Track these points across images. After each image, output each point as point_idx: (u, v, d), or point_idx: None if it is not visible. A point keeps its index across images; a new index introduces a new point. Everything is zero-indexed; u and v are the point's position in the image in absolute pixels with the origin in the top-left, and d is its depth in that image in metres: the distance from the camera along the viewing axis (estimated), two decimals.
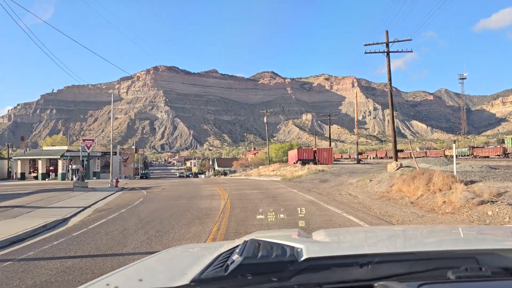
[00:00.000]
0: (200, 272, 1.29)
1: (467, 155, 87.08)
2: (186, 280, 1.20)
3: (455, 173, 18.38)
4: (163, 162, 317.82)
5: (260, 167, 78.64)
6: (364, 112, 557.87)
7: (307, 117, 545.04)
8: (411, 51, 25.73)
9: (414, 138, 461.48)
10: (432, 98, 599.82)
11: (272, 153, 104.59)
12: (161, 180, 53.55)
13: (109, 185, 34.01)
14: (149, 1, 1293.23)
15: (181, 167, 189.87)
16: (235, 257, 1.36)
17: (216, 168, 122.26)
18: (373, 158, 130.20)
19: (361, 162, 68.21)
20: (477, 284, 1.10)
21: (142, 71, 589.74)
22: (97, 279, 1.48)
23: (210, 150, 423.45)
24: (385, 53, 25.82)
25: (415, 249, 1.52)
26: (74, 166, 32.84)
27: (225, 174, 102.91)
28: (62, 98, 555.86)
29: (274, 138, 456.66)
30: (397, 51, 25.80)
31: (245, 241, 1.58)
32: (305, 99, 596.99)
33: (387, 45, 25.73)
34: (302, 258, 1.29)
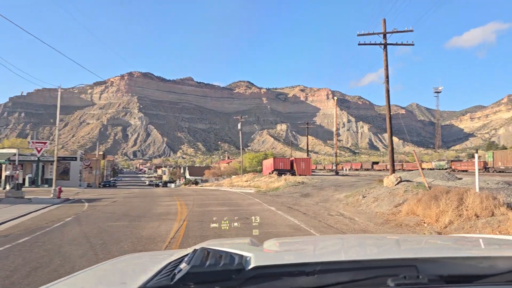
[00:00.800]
0: (146, 281, 1.25)
1: (445, 169, 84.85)
2: None
3: (477, 189, 14.22)
4: (134, 170, 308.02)
5: (233, 176, 73.82)
6: (338, 124, 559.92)
7: (281, 128, 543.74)
8: (412, 44, 21.69)
9: (387, 151, 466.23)
10: (404, 112, 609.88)
11: (246, 163, 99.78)
12: (123, 190, 47.87)
13: (52, 195, 28.49)
14: (125, 6, 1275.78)
15: (152, 175, 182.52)
16: (183, 265, 1.34)
17: (187, 176, 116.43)
18: (349, 169, 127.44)
19: (339, 173, 64.43)
20: None
21: (116, 77, 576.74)
22: None
23: (183, 158, 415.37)
24: (382, 46, 21.65)
25: (359, 257, 1.54)
26: (7, 172, 27.26)
27: (196, 183, 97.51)
28: (31, 102, 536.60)
29: (249, 148, 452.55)
30: (395, 44, 21.70)
31: (194, 249, 1.56)
32: (280, 110, 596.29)
33: (385, 36, 21.60)
34: (250, 267, 1.27)
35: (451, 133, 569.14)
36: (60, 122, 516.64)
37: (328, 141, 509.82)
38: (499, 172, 63.26)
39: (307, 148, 64.89)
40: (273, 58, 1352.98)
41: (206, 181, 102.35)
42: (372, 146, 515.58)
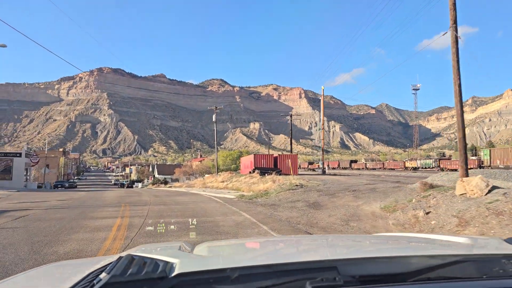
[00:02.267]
0: None
1: (433, 167, 78.80)
2: None
3: None
4: (102, 168, 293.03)
5: (206, 176, 65.05)
6: (310, 123, 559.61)
7: (254, 126, 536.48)
8: None
9: (359, 150, 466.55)
10: (374, 112, 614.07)
11: (220, 161, 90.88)
12: (70, 193, 38.21)
13: None
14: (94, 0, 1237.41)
15: (120, 174, 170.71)
16: (103, 275, 1.27)
17: (156, 175, 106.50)
18: (326, 167, 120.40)
19: (326, 173, 56.84)
20: None
21: (85, 72, 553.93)
22: None
23: (155, 156, 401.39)
24: None
25: (283, 260, 1.53)
26: None
27: (165, 182, 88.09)
28: None
29: (222, 146, 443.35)
30: None
31: (120, 257, 1.48)
32: (253, 108, 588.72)
33: None
34: (173, 274, 1.24)
35: (419, 133, 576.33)
36: (25, 118, 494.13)
37: (300, 140, 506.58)
38: None
39: (291, 142, 56.93)
40: (246, 56, 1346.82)
41: (177, 180, 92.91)
42: (343, 145, 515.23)
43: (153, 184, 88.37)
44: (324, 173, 54.07)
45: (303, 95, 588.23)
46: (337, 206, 16.15)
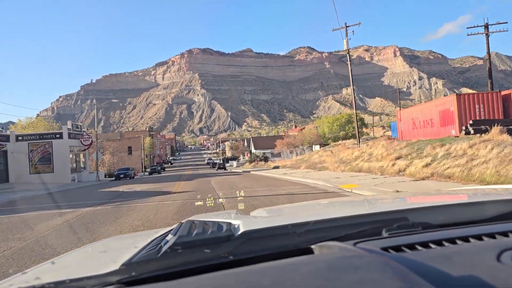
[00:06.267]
0: (132, 256, 1.21)
1: None
2: (115, 266, 1.09)
3: None
4: (199, 146, 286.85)
5: (328, 148, 41.86)
6: (409, 82, 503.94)
7: (347, 92, 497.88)
8: None
9: None
10: (482, 63, 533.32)
11: (325, 128, 67.05)
12: (51, 216, 17.59)
13: None
14: None
15: (214, 151, 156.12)
16: (169, 237, 1.30)
17: (253, 151, 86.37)
18: None
19: None
20: (406, 237, 1.15)
21: (176, 55, 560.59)
22: (25, 271, 1.33)
23: (248, 131, 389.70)
24: None
25: (351, 213, 1.52)
26: None
27: (265, 159, 67.02)
28: (100, 88, 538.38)
29: (314, 115, 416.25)
30: None
31: (180, 222, 1.50)
32: (344, 73, 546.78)
33: None
34: (239, 232, 1.24)
35: None
36: (129, 105, 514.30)
37: (398, 101, 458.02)
38: None
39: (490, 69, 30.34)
40: (333, 19, 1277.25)
41: (279, 155, 71.21)
42: None
43: (250, 162, 68.07)
44: None
45: (398, 53, 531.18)
46: None
